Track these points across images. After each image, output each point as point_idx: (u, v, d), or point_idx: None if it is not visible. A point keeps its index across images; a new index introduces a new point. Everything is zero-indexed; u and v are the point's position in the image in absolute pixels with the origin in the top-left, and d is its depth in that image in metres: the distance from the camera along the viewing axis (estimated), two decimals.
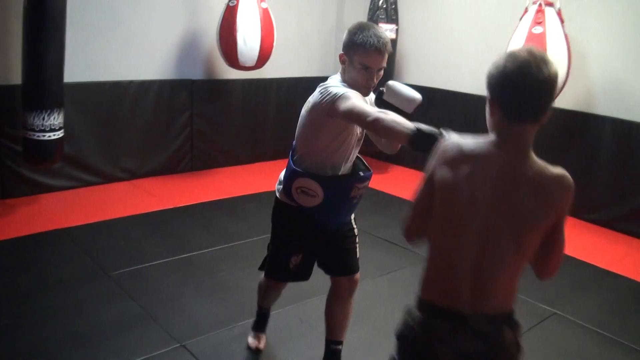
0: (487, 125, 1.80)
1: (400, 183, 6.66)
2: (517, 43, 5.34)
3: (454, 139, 1.81)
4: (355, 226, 2.99)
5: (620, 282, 4.58)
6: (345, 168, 2.76)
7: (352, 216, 2.96)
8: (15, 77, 4.88)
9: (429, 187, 1.82)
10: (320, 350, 3.15)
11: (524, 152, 1.73)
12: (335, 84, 2.63)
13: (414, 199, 1.89)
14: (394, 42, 6.83)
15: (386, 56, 2.60)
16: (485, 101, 1.79)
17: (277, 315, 3.61)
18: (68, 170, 5.65)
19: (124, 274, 4.06)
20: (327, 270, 3.03)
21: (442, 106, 6.74)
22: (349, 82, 2.66)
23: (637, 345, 3.65)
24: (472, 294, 1.75)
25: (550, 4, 5.40)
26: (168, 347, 3.24)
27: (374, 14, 6.80)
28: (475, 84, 6.30)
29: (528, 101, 1.68)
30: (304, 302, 3.84)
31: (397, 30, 6.82)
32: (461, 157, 1.76)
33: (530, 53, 1.68)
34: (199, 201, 5.66)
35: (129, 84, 6.00)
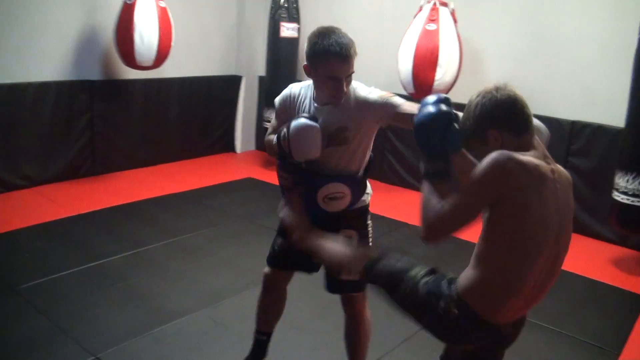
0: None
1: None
2: (410, 39, 5.51)
3: (513, 157, 1.85)
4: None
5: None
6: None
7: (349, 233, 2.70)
8: None
9: (481, 203, 1.88)
10: (238, 352, 3.17)
11: (550, 158, 2.00)
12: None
13: (459, 207, 1.90)
14: (295, 41, 6.90)
15: (352, 61, 2.43)
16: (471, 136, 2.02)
17: (190, 319, 3.63)
18: None
19: (31, 288, 3.96)
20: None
21: None
22: (317, 93, 2.57)
23: (545, 322, 3.86)
24: (521, 311, 2.02)
25: (445, 4, 5.61)
26: None
27: (276, 13, 6.84)
28: (376, 81, 6.46)
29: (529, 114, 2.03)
30: (217, 304, 3.88)
31: (299, 29, 6.88)
32: (528, 177, 1.85)
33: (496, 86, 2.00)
34: (104, 206, 5.55)
35: (27, 87, 5.79)
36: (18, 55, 5.70)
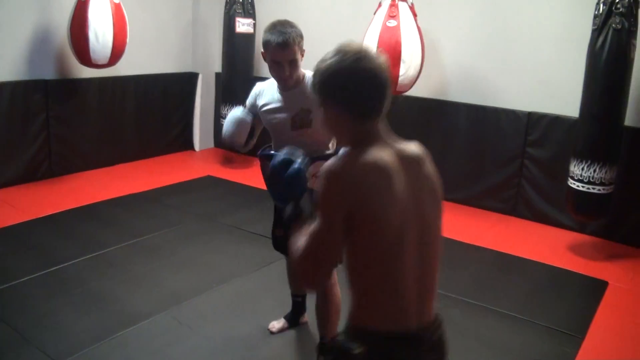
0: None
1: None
2: (372, 36, 5.52)
3: (347, 167, 1.65)
4: None
5: (483, 254, 4.97)
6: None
7: None
8: None
9: (339, 226, 1.64)
10: (204, 352, 3.16)
11: (393, 146, 1.73)
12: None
13: (319, 247, 1.68)
14: (251, 36, 6.87)
15: (293, 48, 2.84)
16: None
17: (154, 321, 3.63)
18: None
19: None
20: None
21: None
22: (273, 78, 3.00)
23: (505, 309, 3.99)
24: (417, 308, 1.72)
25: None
26: None
27: (231, 8, 6.81)
28: None
29: (387, 97, 1.73)
30: (181, 304, 3.88)
31: (254, 24, 6.85)
32: (378, 176, 1.64)
33: (364, 49, 1.71)
34: (62, 209, 5.47)
35: None
36: None
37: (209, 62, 7.85)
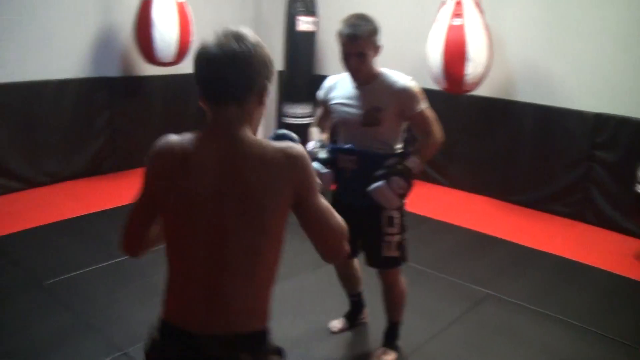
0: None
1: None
2: (438, 34, 5.43)
3: (163, 141, 1.68)
4: (389, 223, 3.03)
5: (547, 260, 4.78)
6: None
7: (391, 214, 3.01)
8: None
9: (147, 197, 1.72)
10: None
11: (234, 136, 1.62)
12: None
13: (133, 206, 1.76)
14: (313, 34, 6.85)
15: (362, 42, 2.82)
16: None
17: None
18: None
19: (56, 284, 3.99)
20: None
21: None
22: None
23: (571, 319, 3.82)
24: (207, 308, 1.58)
25: None
26: (110, 356, 3.22)
27: (292, 6, 6.79)
28: (401, 68, 6.40)
29: (220, 78, 1.61)
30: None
31: (316, 22, 6.84)
32: (173, 161, 1.62)
33: (224, 31, 1.61)
34: (124, 203, 5.49)
35: (46, 84, 5.84)
36: (37, 53, 5.74)
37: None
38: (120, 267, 4.26)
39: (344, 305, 3.62)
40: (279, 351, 1.65)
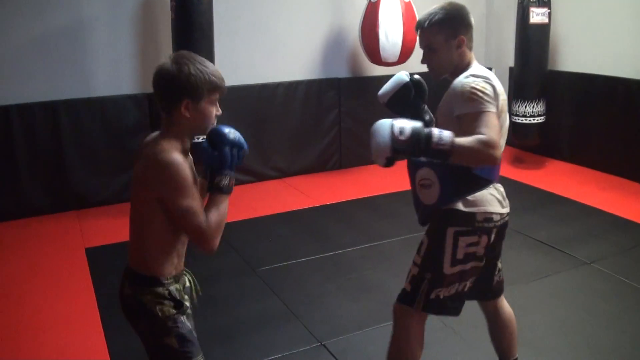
0: None
1: (558, 179, 6.26)
2: None
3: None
4: (418, 248, 2.59)
5: None
6: None
7: (424, 237, 2.57)
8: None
9: None
10: (461, 356, 3.02)
11: (157, 136, 2.02)
12: None
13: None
14: (546, 27, 6.45)
15: (428, 33, 2.40)
16: None
17: None
18: None
19: (269, 271, 4.17)
20: None
21: (603, 92, 6.30)
22: None
23: None
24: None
25: None
26: (308, 346, 3.26)
27: None
28: (636, 69, 5.88)
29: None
30: None
31: (549, 14, 6.44)
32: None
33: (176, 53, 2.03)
34: (346, 199, 5.67)
35: (277, 86, 6.18)
36: (269, 57, 6.16)
37: (503, 56, 7.58)
38: (332, 261, 4.34)
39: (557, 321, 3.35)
40: (144, 285, 2.03)
